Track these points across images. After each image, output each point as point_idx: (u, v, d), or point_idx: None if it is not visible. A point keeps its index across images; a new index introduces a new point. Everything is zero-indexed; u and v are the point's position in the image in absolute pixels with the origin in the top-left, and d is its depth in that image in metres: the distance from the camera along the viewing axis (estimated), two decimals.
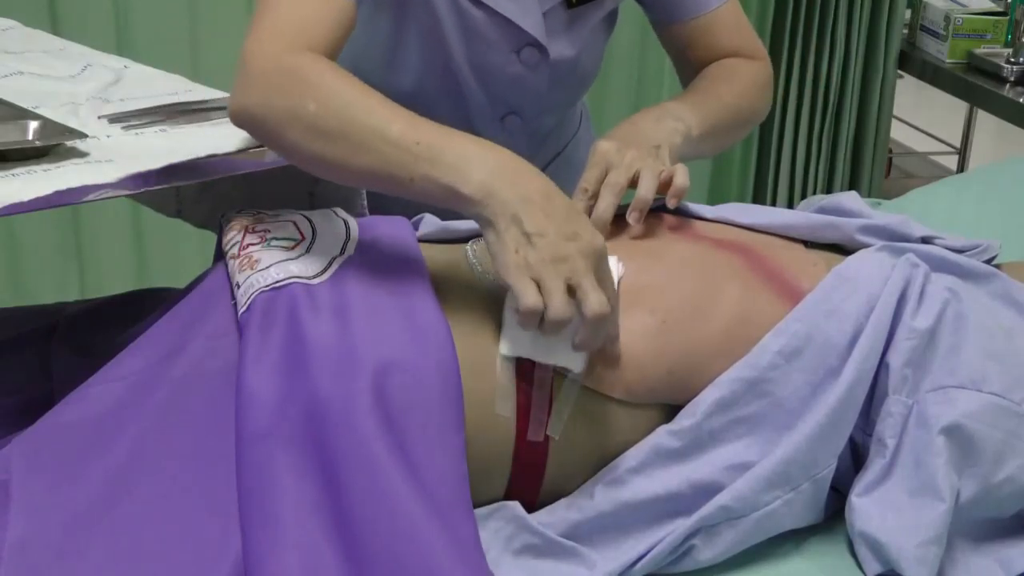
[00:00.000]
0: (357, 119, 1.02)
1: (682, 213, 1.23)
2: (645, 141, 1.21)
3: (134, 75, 1.45)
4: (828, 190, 3.10)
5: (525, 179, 0.99)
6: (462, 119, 1.36)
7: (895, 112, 3.17)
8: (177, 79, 1.44)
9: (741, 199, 3.04)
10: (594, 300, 0.95)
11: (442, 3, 1.29)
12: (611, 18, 1.43)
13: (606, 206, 1.15)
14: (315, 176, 1.26)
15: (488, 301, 1.07)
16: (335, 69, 1.08)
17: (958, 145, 3.43)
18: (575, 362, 1.02)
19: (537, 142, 1.42)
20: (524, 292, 0.95)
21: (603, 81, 2.73)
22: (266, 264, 1.05)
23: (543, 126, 1.46)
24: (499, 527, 1.00)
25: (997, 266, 1.21)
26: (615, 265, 1.09)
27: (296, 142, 1.05)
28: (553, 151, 1.48)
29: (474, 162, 0.99)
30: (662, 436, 1.03)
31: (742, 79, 1.38)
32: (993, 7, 2.99)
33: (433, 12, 1.29)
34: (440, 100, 1.35)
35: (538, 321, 0.96)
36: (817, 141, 3.04)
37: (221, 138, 1.18)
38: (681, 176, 1.18)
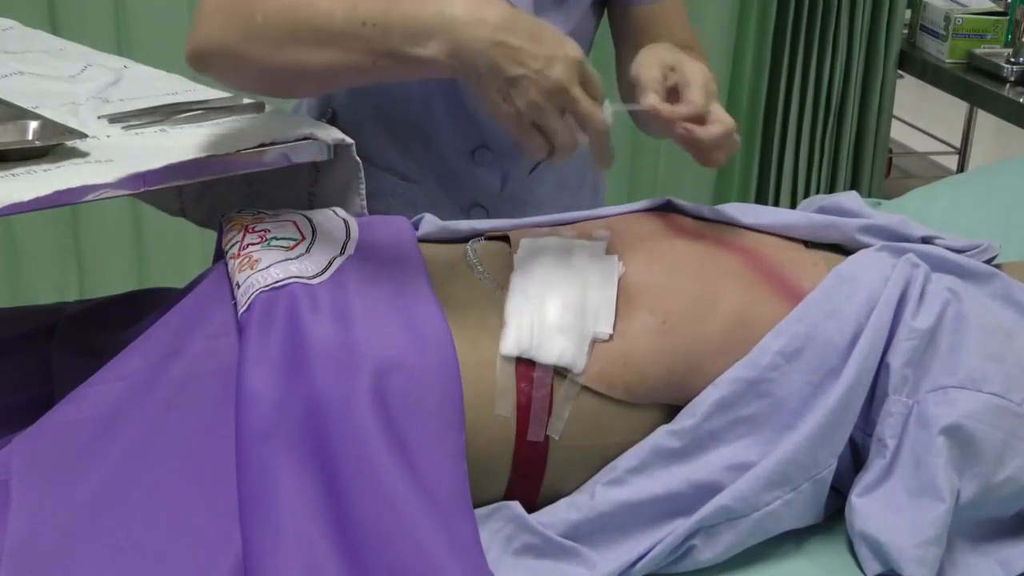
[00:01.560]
0: (302, 17, 1.03)
1: (683, 213, 1.23)
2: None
3: (134, 75, 1.45)
4: (830, 190, 3.10)
5: (483, 17, 0.98)
6: (453, 99, 1.36)
7: (895, 112, 3.17)
8: (177, 79, 1.44)
9: (743, 199, 3.04)
10: (592, 119, 0.99)
11: None
12: (600, 3, 1.44)
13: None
14: (314, 175, 1.26)
15: (488, 301, 1.07)
16: None
17: (958, 145, 3.43)
18: (575, 362, 1.02)
19: None
20: (528, 143, 1.00)
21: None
22: (266, 264, 1.05)
23: None
24: (499, 527, 1.00)
25: (997, 266, 1.21)
26: (615, 265, 1.10)
27: (255, 59, 1.06)
28: None
29: (427, 25, 0.99)
30: (662, 436, 1.03)
31: None
32: (993, 7, 2.99)
33: None
34: (431, 81, 1.35)
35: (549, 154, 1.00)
36: (820, 142, 3.04)
37: (221, 138, 1.18)
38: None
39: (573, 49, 0.98)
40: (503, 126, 1.00)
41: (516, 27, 0.98)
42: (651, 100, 1.13)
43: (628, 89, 1.36)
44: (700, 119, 1.13)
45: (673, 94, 1.16)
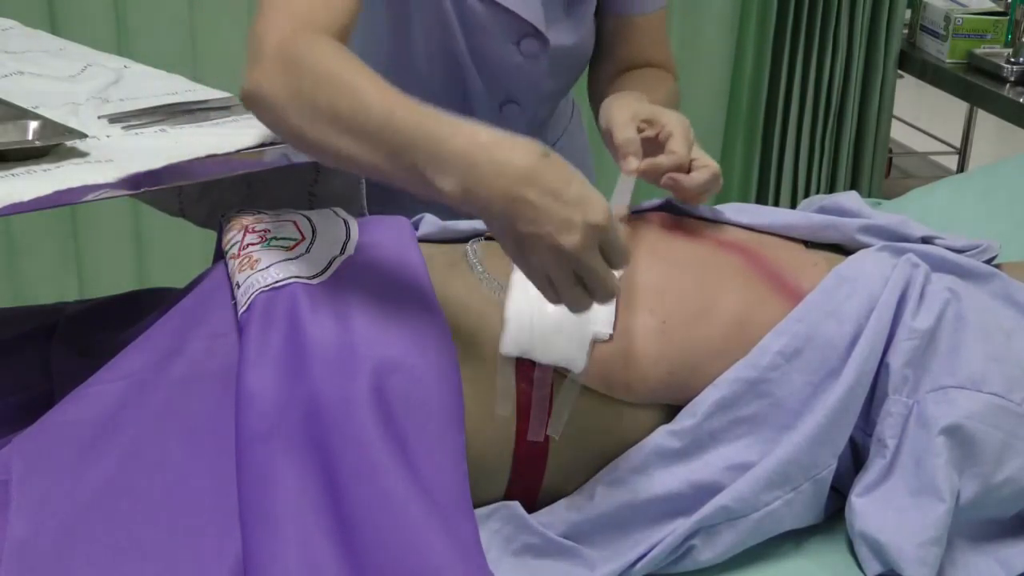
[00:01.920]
0: (344, 103, 0.97)
1: (683, 213, 1.23)
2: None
3: (134, 75, 1.45)
4: (831, 190, 3.10)
5: (507, 164, 0.90)
6: (463, 108, 1.36)
7: (895, 112, 3.17)
8: (177, 79, 1.44)
9: (743, 199, 3.04)
10: (601, 293, 0.91)
11: None
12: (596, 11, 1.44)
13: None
14: (315, 175, 1.26)
15: (488, 301, 1.07)
16: (337, 51, 1.02)
17: (958, 145, 3.43)
18: (575, 362, 1.02)
19: (533, 131, 1.43)
20: (541, 292, 0.93)
21: None
22: (266, 264, 1.05)
23: (539, 114, 1.46)
24: (499, 527, 1.00)
25: (997, 266, 1.21)
26: None
27: (294, 124, 1.00)
28: (548, 143, 1.49)
29: (450, 156, 0.91)
30: (662, 436, 1.03)
31: (667, 90, 1.41)
32: (993, 7, 2.99)
33: (436, 3, 1.30)
34: (442, 89, 1.36)
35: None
36: (820, 142, 3.04)
37: (221, 138, 1.18)
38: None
39: (597, 213, 0.88)
40: (518, 268, 0.94)
41: (539, 180, 0.88)
42: (632, 166, 1.17)
43: (598, 99, 1.37)
44: (684, 167, 1.18)
45: (649, 143, 1.19)
